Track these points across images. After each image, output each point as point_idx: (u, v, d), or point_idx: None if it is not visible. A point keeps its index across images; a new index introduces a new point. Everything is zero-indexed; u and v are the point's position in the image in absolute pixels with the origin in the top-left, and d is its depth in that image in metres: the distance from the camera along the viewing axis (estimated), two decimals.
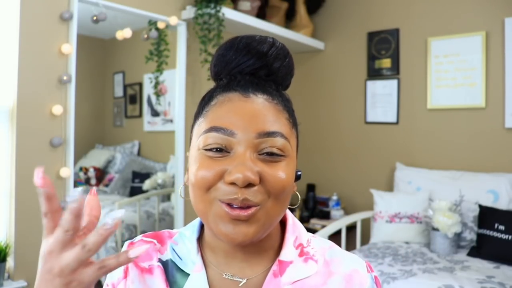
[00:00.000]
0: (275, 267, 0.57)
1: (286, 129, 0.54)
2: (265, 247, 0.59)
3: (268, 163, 0.52)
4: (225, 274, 0.58)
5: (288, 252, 0.59)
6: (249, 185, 0.50)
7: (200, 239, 0.63)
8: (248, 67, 0.57)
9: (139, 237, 0.66)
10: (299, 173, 0.60)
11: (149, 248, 0.63)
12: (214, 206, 0.52)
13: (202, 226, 0.64)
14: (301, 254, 0.59)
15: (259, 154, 0.52)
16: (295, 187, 0.59)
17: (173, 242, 0.63)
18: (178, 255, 0.61)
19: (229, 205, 0.50)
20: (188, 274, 0.59)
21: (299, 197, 0.63)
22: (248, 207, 0.50)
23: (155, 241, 0.64)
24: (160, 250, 0.63)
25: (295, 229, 0.62)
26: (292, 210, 2.03)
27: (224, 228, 0.51)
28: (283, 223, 0.63)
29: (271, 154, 0.52)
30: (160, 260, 0.62)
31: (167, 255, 0.62)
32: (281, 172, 0.52)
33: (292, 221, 0.63)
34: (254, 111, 0.53)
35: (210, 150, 0.52)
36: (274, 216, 0.53)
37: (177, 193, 2.90)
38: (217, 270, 0.59)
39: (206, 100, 0.57)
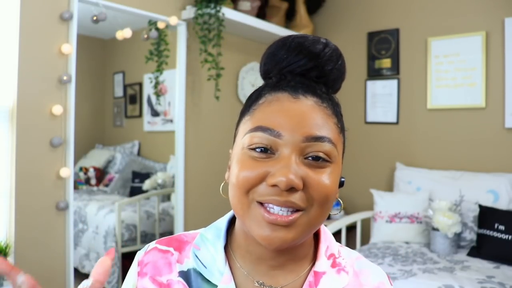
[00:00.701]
0: (311, 277, 0.55)
1: (334, 135, 0.52)
2: (299, 255, 0.57)
3: (313, 168, 0.50)
4: (257, 282, 0.55)
5: (322, 262, 0.57)
6: (292, 189, 0.48)
7: (226, 245, 0.59)
8: (299, 67, 0.55)
9: (152, 244, 0.61)
10: (342, 179, 0.58)
11: (166, 259, 0.59)
12: (252, 209, 0.50)
13: (227, 231, 0.60)
14: (334, 265, 0.58)
15: (305, 158, 0.50)
16: (338, 194, 0.57)
17: (195, 247, 0.59)
18: (202, 263, 0.57)
19: (267, 210, 0.48)
20: (215, 285, 0.55)
21: (342, 204, 0.61)
22: (291, 211, 0.49)
23: (171, 249, 0.60)
24: (179, 259, 0.59)
25: (326, 238, 0.61)
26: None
27: (261, 231, 0.49)
28: (316, 232, 0.61)
29: (317, 158, 0.50)
30: (181, 273, 0.57)
31: (188, 264, 0.58)
32: (326, 179, 0.50)
33: (323, 230, 0.61)
34: (303, 113, 0.50)
35: (255, 150, 0.50)
36: (315, 223, 0.51)
37: (176, 195, 2.90)
38: (248, 277, 0.56)
39: (254, 98, 0.55)
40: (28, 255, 1.96)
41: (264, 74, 0.59)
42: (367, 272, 0.60)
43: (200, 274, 0.56)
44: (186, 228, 2.72)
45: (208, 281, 0.56)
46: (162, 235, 3.11)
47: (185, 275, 0.57)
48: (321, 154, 0.50)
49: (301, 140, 0.49)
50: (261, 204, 0.49)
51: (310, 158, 0.50)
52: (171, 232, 3.06)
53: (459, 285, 1.87)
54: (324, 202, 0.50)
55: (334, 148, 0.51)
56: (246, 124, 0.53)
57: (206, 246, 0.59)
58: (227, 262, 0.57)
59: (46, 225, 2.03)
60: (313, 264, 0.58)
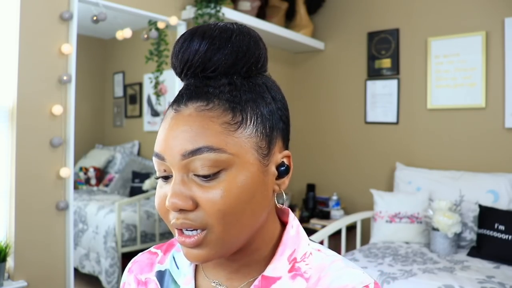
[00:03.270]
0: (257, 282, 0.52)
1: (219, 135, 0.47)
2: (256, 258, 0.54)
3: (201, 183, 0.47)
4: (214, 282, 0.56)
5: (276, 267, 0.53)
6: (185, 210, 0.47)
7: None
8: (188, 70, 0.50)
9: (150, 248, 0.66)
10: (282, 168, 0.52)
11: (150, 260, 0.62)
12: (174, 232, 0.51)
13: None
14: (291, 269, 0.53)
15: (195, 175, 0.47)
16: (283, 185, 0.53)
17: (176, 249, 0.61)
18: (176, 264, 0.60)
19: (180, 232, 0.49)
20: (179, 286, 0.58)
21: (284, 197, 0.55)
22: (191, 230, 0.48)
23: (159, 251, 0.63)
24: (161, 260, 0.62)
25: (295, 241, 0.55)
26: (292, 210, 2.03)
27: (183, 250, 0.50)
28: (280, 233, 0.57)
29: (203, 175, 0.47)
30: (157, 272, 0.60)
31: (166, 264, 0.61)
32: (216, 193, 0.46)
33: (296, 231, 0.56)
34: (177, 128, 0.48)
35: (159, 178, 0.51)
36: (227, 238, 0.48)
37: None
38: (207, 279, 0.57)
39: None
40: (28, 255, 1.96)
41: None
42: (329, 276, 0.53)
43: (171, 276, 0.59)
44: None
45: (175, 282, 0.58)
46: (162, 235, 3.11)
47: (160, 275, 0.60)
48: (203, 171, 0.46)
49: (179, 158, 0.47)
50: None
51: (196, 175, 0.47)
52: (170, 232, 3.06)
53: (459, 285, 1.87)
54: (221, 218, 0.47)
55: (220, 153, 0.46)
56: None
57: None
58: (192, 264, 0.58)
59: (46, 225, 2.03)
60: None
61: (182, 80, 0.54)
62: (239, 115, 0.48)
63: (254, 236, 0.52)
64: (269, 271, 0.52)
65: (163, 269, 0.60)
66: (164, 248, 0.63)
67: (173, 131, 0.48)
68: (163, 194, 0.50)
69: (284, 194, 0.55)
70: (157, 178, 0.51)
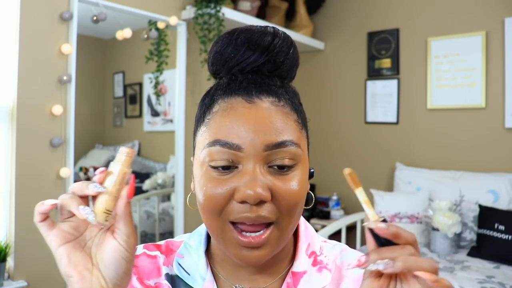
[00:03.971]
0: (289, 279, 0.54)
1: (296, 133, 0.50)
2: (278, 257, 0.55)
3: (279, 176, 0.48)
4: (236, 286, 0.55)
5: (301, 262, 0.56)
6: (261, 202, 0.47)
7: (207, 250, 0.59)
8: (249, 65, 0.52)
9: (141, 249, 0.61)
10: (312, 170, 0.56)
11: (155, 264, 0.59)
12: (226, 232, 0.49)
13: (209, 236, 0.60)
14: (315, 263, 0.56)
15: (269, 167, 0.48)
16: (308, 186, 0.56)
17: (178, 256, 0.59)
18: (185, 270, 0.57)
19: (241, 230, 0.48)
20: None
21: (313, 197, 0.58)
22: (263, 228, 0.47)
23: (158, 252, 0.60)
24: (166, 262, 0.59)
25: (307, 235, 0.59)
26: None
27: (237, 252, 0.48)
28: (295, 229, 0.60)
29: (282, 167, 0.48)
30: (167, 275, 0.58)
31: (172, 271, 0.58)
32: (294, 184, 0.48)
33: (305, 226, 0.60)
34: (260, 119, 0.48)
35: (217, 168, 0.48)
36: (288, 232, 0.50)
37: (176, 195, 2.89)
38: (228, 283, 0.55)
39: (207, 104, 0.52)
40: (28, 255, 1.96)
41: (214, 74, 0.56)
42: (348, 263, 0.57)
43: (183, 281, 0.56)
44: (186, 228, 2.72)
45: (191, 287, 0.56)
46: (162, 235, 3.11)
47: (171, 279, 0.57)
48: (286, 162, 0.48)
49: (263, 149, 0.47)
50: (234, 224, 0.48)
51: (275, 166, 0.48)
52: (171, 232, 3.06)
53: (459, 285, 1.87)
54: (293, 210, 0.49)
55: (298, 148, 0.49)
56: (203, 136, 0.51)
57: (189, 254, 0.58)
58: (209, 267, 0.56)
59: None
60: (292, 264, 0.56)
61: (227, 72, 0.53)
62: (299, 116, 0.52)
63: None
64: (296, 266, 0.55)
65: (170, 273, 0.58)
66: (163, 249, 0.61)
67: (253, 122, 0.48)
68: (222, 186, 0.47)
69: (312, 194, 0.57)
70: (214, 168, 0.48)
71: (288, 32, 3.17)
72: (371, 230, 0.42)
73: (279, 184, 0.48)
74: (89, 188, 0.43)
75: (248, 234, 0.47)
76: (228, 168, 0.48)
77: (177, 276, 0.57)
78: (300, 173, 0.49)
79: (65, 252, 0.43)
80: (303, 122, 0.53)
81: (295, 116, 0.51)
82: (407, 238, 0.41)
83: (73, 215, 0.44)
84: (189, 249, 0.59)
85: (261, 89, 0.50)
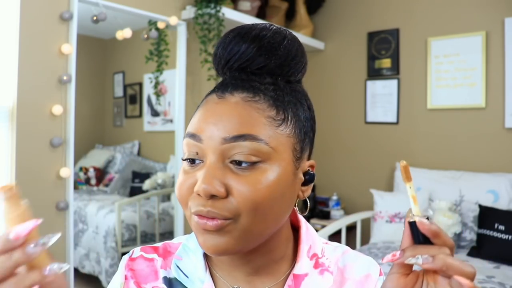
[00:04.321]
0: (290, 281, 0.53)
1: (265, 130, 0.47)
2: (274, 258, 0.54)
3: (237, 173, 0.46)
4: (233, 287, 0.54)
5: (302, 264, 0.55)
6: (215, 197, 0.46)
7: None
8: (236, 62, 0.51)
9: (138, 252, 0.60)
10: (311, 173, 0.53)
11: (152, 267, 0.59)
12: (192, 221, 0.49)
13: None
14: (317, 265, 0.55)
15: (230, 162, 0.47)
16: (307, 192, 0.54)
17: (177, 258, 0.58)
18: (183, 273, 0.56)
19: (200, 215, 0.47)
20: None
21: (309, 204, 0.55)
22: (214, 218, 0.46)
23: (155, 256, 0.59)
24: (163, 265, 0.58)
25: (308, 237, 0.58)
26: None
27: (200, 239, 0.48)
28: (296, 230, 0.59)
29: (239, 163, 0.46)
30: (164, 279, 0.57)
31: (170, 274, 0.57)
32: (252, 183, 0.46)
33: (306, 228, 0.59)
34: (223, 113, 0.47)
35: (186, 161, 0.50)
36: (254, 231, 0.47)
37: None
38: (226, 285, 0.55)
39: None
40: None
41: (217, 75, 0.57)
42: (351, 266, 0.58)
43: (181, 284, 0.56)
44: (186, 228, 2.72)
45: None
46: (162, 235, 3.11)
47: (169, 282, 0.57)
48: (242, 157, 0.46)
49: (220, 142, 0.46)
50: None
51: (234, 161, 0.46)
52: (171, 232, 3.06)
53: None
54: (254, 210, 0.46)
55: (263, 145, 0.46)
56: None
57: (188, 256, 0.58)
58: (207, 270, 0.56)
59: (46, 225, 2.03)
60: (293, 266, 0.55)
61: (222, 72, 0.54)
62: (281, 113, 0.50)
63: (272, 235, 0.53)
64: (297, 269, 0.54)
65: (168, 276, 0.57)
66: (160, 251, 0.60)
67: (217, 115, 0.48)
68: (188, 178, 0.48)
69: (308, 201, 0.55)
70: (184, 160, 0.50)
71: None
72: (411, 226, 0.42)
73: (234, 181, 0.46)
74: None
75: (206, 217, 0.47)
76: (194, 161, 0.49)
77: (175, 279, 0.56)
78: (264, 172, 0.46)
79: None
80: (286, 121, 0.49)
81: (272, 112, 0.48)
82: (446, 240, 0.41)
83: None
84: (188, 251, 0.58)
85: (237, 85, 0.50)
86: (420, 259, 0.40)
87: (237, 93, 0.49)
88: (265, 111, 0.48)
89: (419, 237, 0.42)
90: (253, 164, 0.46)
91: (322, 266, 0.56)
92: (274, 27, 0.52)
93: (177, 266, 0.57)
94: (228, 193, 0.46)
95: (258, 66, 0.51)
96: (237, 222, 0.46)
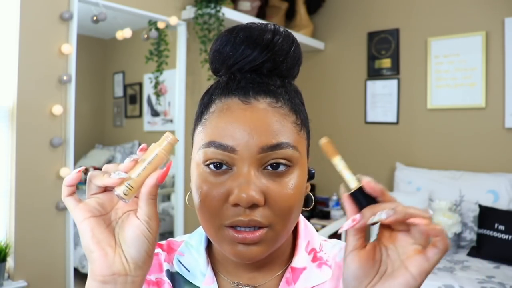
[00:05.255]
0: (288, 274, 0.55)
1: (293, 135, 0.49)
2: (276, 254, 0.56)
3: (273, 178, 0.47)
4: (235, 283, 0.55)
5: (300, 258, 0.56)
6: (254, 205, 0.46)
7: (208, 248, 0.60)
8: (248, 64, 0.50)
9: None
10: (312, 171, 0.56)
11: (156, 260, 0.60)
12: (222, 232, 0.48)
13: None
14: (315, 259, 0.57)
15: (264, 169, 0.47)
16: (308, 188, 0.55)
17: (179, 254, 0.60)
18: (185, 267, 0.58)
19: (235, 229, 0.47)
20: (198, 287, 0.56)
21: (313, 199, 0.57)
22: (256, 228, 0.47)
23: (159, 250, 0.61)
24: (167, 259, 0.60)
25: (307, 233, 0.59)
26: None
27: (233, 249, 0.48)
28: (294, 227, 0.60)
29: (276, 167, 0.47)
30: (167, 272, 0.58)
31: (173, 269, 0.59)
32: (289, 188, 0.47)
33: (304, 224, 0.60)
34: (256, 121, 0.47)
35: (212, 168, 0.48)
36: (284, 235, 0.50)
37: (176, 195, 2.90)
38: (228, 280, 0.56)
39: (205, 104, 0.52)
40: (28, 255, 1.96)
41: (214, 72, 0.55)
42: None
43: (183, 278, 0.57)
44: (186, 228, 2.72)
45: (191, 284, 0.56)
46: (162, 235, 3.11)
47: (171, 276, 0.58)
48: (281, 165, 0.47)
49: (257, 151, 0.46)
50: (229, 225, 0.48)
51: (269, 168, 0.47)
52: (171, 232, 3.06)
53: (459, 285, 1.87)
54: (288, 214, 0.48)
55: (295, 151, 0.48)
56: (200, 136, 0.50)
57: (190, 252, 0.59)
58: (209, 264, 0.57)
59: (46, 225, 2.03)
60: (292, 260, 0.56)
61: (226, 71, 0.52)
62: (299, 117, 0.51)
63: None
64: (295, 262, 0.55)
65: (171, 270, 0.59)
66: (164, 247, 0.62)
67: (249, 123, 0.47)
68: (216, 188, 0.47)
69: (312, 196, 0.57)
70: (209, 168, 0.48)
71: None
72: (352, 197, 0.43)
73: (273, 187, 0.47)
74: (111, 176, 0.43)
75: (242, 229, 0.47)
76: (221, 167, 0.48)
77: (177, 273, 0.58)
78: (296, 176, 0.49)
79: (89, 226, 0.42)
80: (302, 123, 0.51)
81: (293, 117, 0.50)
82: (390, 196, 0.43)
83: (100, 191, 0.44)
84: (190, 248, 0.59)
85: (259, 89, 0.49)
86: (383, 214, 0.40)
87: (261, 98, 0.49)
88: (289, 116, 0.49)
89: (362, 204, 0.42)
90: (287, 168, 0.48)
91: (320, 260, 0.57)
92: (283, 31, 0.52)
93: (179, 261, 0.58)
94: (266, 200, 0.46)
95: (269, 69, 0.51)
96: (273, 229, 0.48)
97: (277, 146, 0.47)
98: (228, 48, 0.51)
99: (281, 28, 0.52)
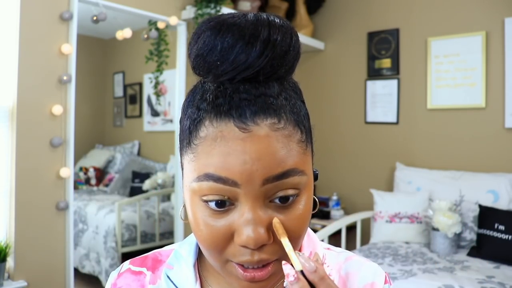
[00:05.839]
0: None
1: (299, 157, 0.43)
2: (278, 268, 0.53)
3: (281, 209, 0.43)
4: None
5: None
6: (263, 244, 0.42)
7: (199, 258, 0.55)
8: (240, 74, 0.42)
9: (126, 265, 0.58)
10: (316, 172, 0.51)
11: (139, 281, 0.56)
12: (228, 266, 0.45)
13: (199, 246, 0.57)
14: None
15: (270, 201, 0.43)
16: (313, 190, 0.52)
17: (167, 267, 0.55)
18: (174, 283, 0.53)
19: (243, 267, 0.44)
20: None
21: (318, 203, 0.52)
22: (264, 265, 0.44)
23: (144, 269, 0.56)
24: (152, 280, 0.55)
25: (309, 244, 0.55)
26: None
27: (240, 284, 0.45)
28: None
29: (285, 199, 0.43)
30: None
31: (160, 285, 0.54)
32: (298, 216, 0.44)
33: (307, 234, 0.56)
34: (258, 151, 0.41)
35: (210, 202, 0.43)
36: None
37: (176, 195, 2.90)
38: None
39: (193, 120, 0.44)
40: (28, 255, 1.96)
41: (198, 75, 0.47)
42: (353, 274, 0.55)
43: None
44: (186, 228, 2.72)
45: None
46: (162, 235, 3.11)
47: None
48: (289, 194, 0.42)
49: (262, 183, 0.41)
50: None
51: (277, 201, 0.43)
52: (171, 232, 3.06)
53: (459, 285, 1.87)
54: (297, 243, 0.45)
55: (302, 175, 0.43)
56: (191, 165, 0.44)
57: (179, 264, 0.54)
58: (198, 281, 0.53)
59: (46, 225, 2.03)
60: None
61: (214, 79, 0.44)
62: (303, 131, 0.45)
63: None
64: None
65: None
66: (148, 264, 0.57)
67: (251, 154, 0.41)
68: (218, 223, 0.43)
69: (317, 200, 0.52)
70: (211, 210, 0.43)
71: None
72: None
73: (282, 219, 0.43)
74: None
75: (251, 267, 0.44)
76: (225, 205, 0.43)
77: None
78: (304, 200, 0.44)
79: None
80: (307, 135, 0.46)
81: (298, 134, 0.44)
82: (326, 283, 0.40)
83: None
84: (180, 259, 0.55)
85: (257, 107, 0.41)
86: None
87: (260, 120, 0.41)
88: (293, 136, 0.43)
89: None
90: (294, 199, 0.44)
91: None
92: (279, 22, 0.44)
93: (168, 276, 0.54)
94: (273, 235, 0.43)
95: (267, 76, 0.43)
96: (281, 260, 0.44)
97: (284, 175, 0.42)
98: (215, 56, 0.42)
99: (276, 19, 0.45)
